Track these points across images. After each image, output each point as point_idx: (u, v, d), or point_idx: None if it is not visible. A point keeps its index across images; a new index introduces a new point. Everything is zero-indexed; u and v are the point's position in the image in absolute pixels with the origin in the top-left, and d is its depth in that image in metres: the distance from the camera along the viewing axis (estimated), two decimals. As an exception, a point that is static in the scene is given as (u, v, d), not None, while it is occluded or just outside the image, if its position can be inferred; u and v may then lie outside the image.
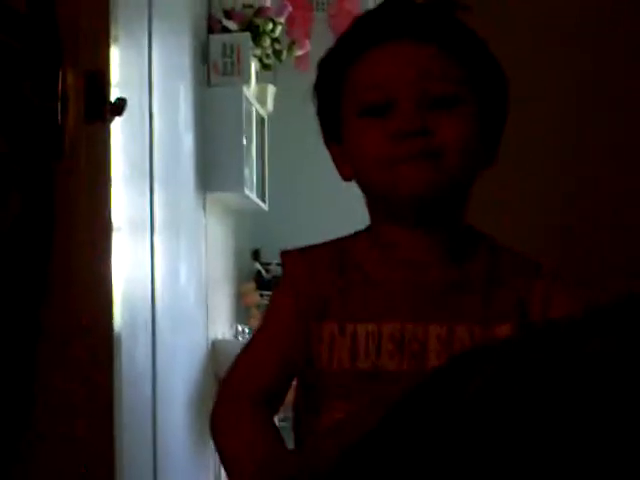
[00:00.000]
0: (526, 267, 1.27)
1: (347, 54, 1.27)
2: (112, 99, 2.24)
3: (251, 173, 4.70)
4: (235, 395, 1.28)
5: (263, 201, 5.02)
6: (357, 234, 1.34)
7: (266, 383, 1.27)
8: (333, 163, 1.33)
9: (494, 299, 1.24)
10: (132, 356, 3.13)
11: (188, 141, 4.18)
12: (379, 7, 1.30)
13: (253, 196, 4.74)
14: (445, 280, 1.25)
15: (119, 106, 2.20)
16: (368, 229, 1.33)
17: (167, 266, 3.70)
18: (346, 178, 1.31)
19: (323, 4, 5.66)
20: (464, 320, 1.22)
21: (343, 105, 1.28)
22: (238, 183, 4.50)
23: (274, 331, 1.30)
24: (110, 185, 2.22)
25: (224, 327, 4.82)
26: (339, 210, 5.17)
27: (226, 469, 1.23)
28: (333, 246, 1.33)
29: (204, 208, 4.42)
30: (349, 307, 1.25)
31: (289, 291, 1.30)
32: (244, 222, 5.26)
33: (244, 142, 4.53)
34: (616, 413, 0.63)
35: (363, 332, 1.23)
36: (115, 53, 2.30)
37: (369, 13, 1.31)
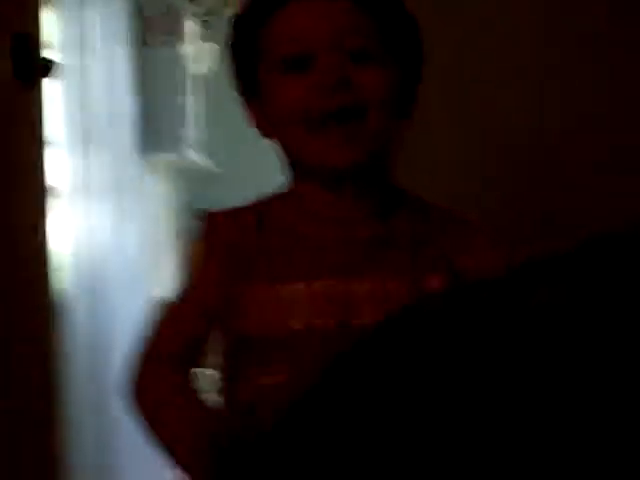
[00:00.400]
0: (453, 223, 1.27)
1: (264, 8, 1.26)
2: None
3: (192, 133, 4.66)
4: (159, 356, 1.27)
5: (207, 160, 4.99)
6: (279, 194, 1.33)
7: (186, 340, 1.26)
8: (251, 120, 1.32)
9: (421, 254, 1.23)
10: (77, 322, 3.11)
11: (125, 102, 4.13)
12: None
13: (196, 157, 4.70)
14: (372, 236, 1.25)
15: (47, 67, 2.17)
16: (288, 187, 1.32)
17: (110, 229, 3.67)
18: (266, 135, 1.30)
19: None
20: (394, 275, 1.21)
21: (261, 61, 1.26)
22: (177, 143, 4.46)
23: (198, 292, 1.29)
24: (43, 147, 2.19)
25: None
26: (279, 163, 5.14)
27: (164, 447, 1.22)
28: (257, 207, 1.32)
29: (145, 170, 4.38)
30: (278, 268, 1.24)
31: (213, 251, 1.29)
32: (190, 184, 5.22)
33: (182, 101, 4.49)
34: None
35: (293, 291, 1.21)
36: (48, 15, 2.27)
37: None
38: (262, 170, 5.50)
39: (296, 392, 1.12)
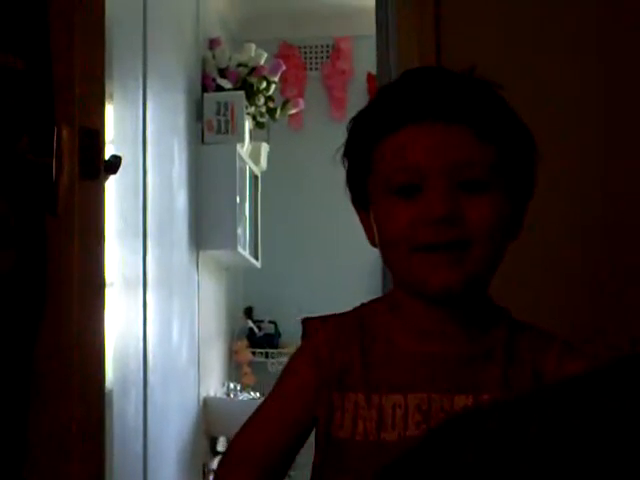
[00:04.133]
0: (541, 340, 1.27)
1: (376, 132, 1.24)
2: (107, 157, 2.25)
3: (244, 231, 4.71)
4: (239, 460, 1.27)
5: (256, 259, 5.03)
6: (376, 302, 1.32)
7: (273, 448, 1.25)
8: (362, 225, 1.32)
9: (513, 371, 1.23)
10: (124, 414, 3.11)
11: (182, 198, 4.19)
12: (408, 80, 1.28)
13: (246, 254, 4.75)
14: (468, 352, 1.24)
15: (114, 164, 2.21)
16: (389, 295, 1.32)
17: (159, 323, 3.69)
18: (374, 245, 1.30)
19: (316, 63, 5.71)
20: (488, 391, 1.22)
21: (370, 180, 1.25)
22: (231, 241, 4.51)
23: (288, 396, 1.28)
24: (103, 242, 2.23)
25: (216, 385, 4.80)
26: (331, 267, 5.18)
27: None
28: (354, 314, 1.30)
29: (197, 265, 4.42)
30: (374, 378, 1.23)
31: (309, 359, 1.28)
32: (237, 280, 5.26)
33: (237, 200, 4.55)
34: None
35: (390, 403, 1.22)
36: (110, 111, 2.32)
37: (398, 86, 1.28)
38: (309, 269, 5.57)
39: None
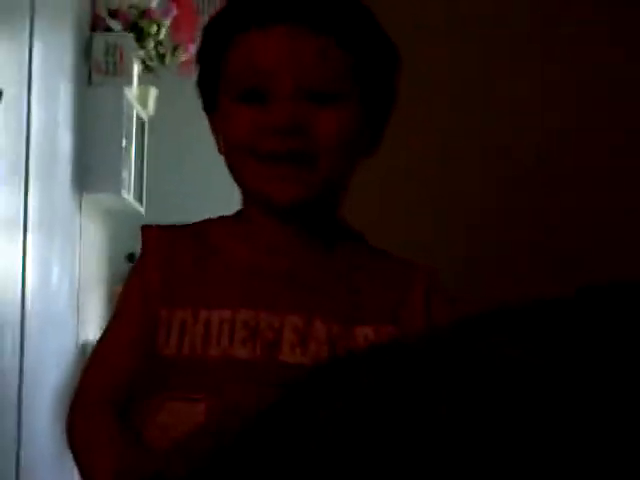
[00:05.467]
0: (401, 271, 1.24)
1: (231, 28, 1.19)
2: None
3: (129, 175, 4.64)
4: (88, 400, 1.24)
5: (140, 204, 4.96)
6: (224, 217, 1.28)
7: (119, 381, 1.22)
8: (211, 132, 1.28)
9: (360, 299, 1.20)
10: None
11: (66, 140, 4.10)
12: None
13: (130, 198, 4.68)
14: (309, 272, 1.21)
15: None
16: (238, 213, 1.29)
17: (39, 266, 3.63)
18: (221, 153, 1.26)
19: (209, 8, 5.63)
20: (324, 314, 1.18)
21: (220, 81, 1.21)
22: (115, 184, 4.43)
23: (122, 317, 1.25)
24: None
25: (95, 330, 4.75)
26: (218, 209, 5.14)
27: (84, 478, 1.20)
28: (195, 228, 1.27)
29: (80, 209, 4.35)
30: (205, 293, 1.20)
31: (140, 273, 1.25)
32: (120, 224, 5.19)
33: (123, 144, 4.48)
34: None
35: (217, 319, 1.18)
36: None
37: None
38: (196, 216, 5.50)
39: (217, 423, 1.12)
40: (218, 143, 1.26)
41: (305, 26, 1.15)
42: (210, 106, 1.25)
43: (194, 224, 1.28)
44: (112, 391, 1.22)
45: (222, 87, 1.22)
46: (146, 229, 1.27)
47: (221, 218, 1.28)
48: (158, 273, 1.23)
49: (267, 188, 1.18)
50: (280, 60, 1.16)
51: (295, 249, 1.22)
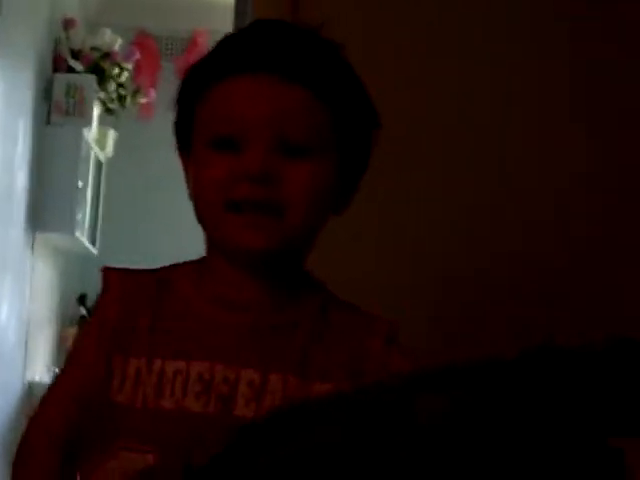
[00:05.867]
0: (362, 324, 1.21)
1: (208, 75, 1.18)
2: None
3: (84, 216, 4.64)
4: (37, 442, 1.22)
5: (93, 245, 4.95)
6: (185, 264, 1.25)
7: (68, 427, 1.21)
8: (184, 176, 1.26)
9: (319, 353, 1.19)
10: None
11: (22, 178, 4.10)
12: (250, 30, 1.23)
13: (84, 239, 4.67)
14: (267, 325, 1.18)
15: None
16: (199, 260, 1.27)
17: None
18: (191, 198, 1.24)
19: (172, 54, 5.66)
20: (280, 369, 1.16)
21: (196, 126, 1.19)
22: (69, 225, 4.43)
23: (76, 362, 1.24)
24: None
25: (42, 369, 4.71)
26: (172, 255, 5.13)
27: None
28: (156, 274, 1.24)
29: (32, 247, 4.33)
30: (160, 342, 1.17)
31: (97, 317, 1.24)
32: (73, 265, 5.17)
33: (79, 185, 4.47)
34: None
35: (172, 369, 1.16)
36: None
37: (238, 35, 1.23)
38: (149, 259, 5.50)
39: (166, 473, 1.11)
40: (189, 186, 1.24)
41: (284, 77, 1.14)
42: (184, 150, 1.24)
43: (155, 270, 1.26)
44: (60, 436, 1.21)
45: (196, 133, 1.20)
46: (106, 271, 1.25)
47: (183, 265, 1.25)
48: (115, 318, 1.20)
49: (236, 236, 1.15)
50: (256, 110, 1.14)
51: (256, 302, 1.20)
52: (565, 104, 1.81)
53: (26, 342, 4.30)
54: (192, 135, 1.21)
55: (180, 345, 1.18)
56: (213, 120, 1.17)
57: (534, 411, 0.76)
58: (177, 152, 1.25)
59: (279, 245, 1.16)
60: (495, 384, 0.78)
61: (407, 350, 1.22)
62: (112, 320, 1.20)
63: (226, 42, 1.22)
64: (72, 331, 5.07)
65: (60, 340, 5.04)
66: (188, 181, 1.23)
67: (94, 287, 4.78)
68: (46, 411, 1.24)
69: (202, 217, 1.20)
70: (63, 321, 5.09)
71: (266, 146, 1.13)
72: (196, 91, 1.19)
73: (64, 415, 1.20)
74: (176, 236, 5.37)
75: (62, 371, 1.27)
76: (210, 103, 1.17)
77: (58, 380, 1.26)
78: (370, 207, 1.61)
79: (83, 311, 5.21)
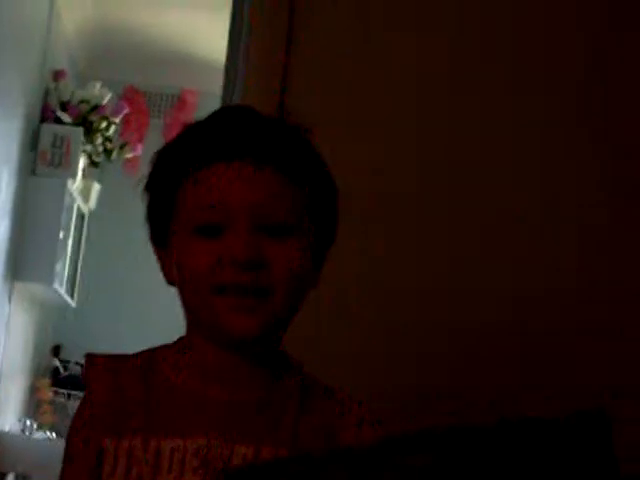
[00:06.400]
0: (335, 403, 1.26)
1: (182, 166, 1.22)
2: None
3: (63, 268, 4.63)
4: None
5: (71, 297, 4.94)
6: (167, 347, 1.28)
7: None
8: (158, 264, 1.28)
9: (302, 427, 1.22)
10: None
11: (3, 227, 4.10)
12: (219, 118, 1.26)
13: (62, 291, 4.67)
14: (255, 400, 1.22)
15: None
16: (180, 339, 1.29)
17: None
18: (169, 282, 1.26)
19: (160, 111, 5.70)
20: (272, 443, 1.20)
21: (174, 217, 1.22)
22: (48, 275, 4.43)
23: (75, 459, 1.24)
24: None
25: (12, 420, 4.67)
26: (149, 315, 5.12)
27: None
28: (140, 358, 1.26)
29: (10, 297, 4.32)
30: (155, 422, 1.20)
31: (85, 407, 1.24)
32: (49, 316, 5.15)
33: (61, 236, 4.48)
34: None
35: (168, 447, 1.18)
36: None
37: (208, 123, 1.25)
38: (126, 315, 5.50)
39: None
40: (165, 273, 1.26)
41: (257, 162, 1.19)
42: (159, 239, 1.26)
43: (138, 354, 1.28)
44: None
45: (175, 221, 1.23)
46: (91, 358, 1.26)
47: (164, 347, 1.28)
48: (104, 403, 1.22)
49: (226, 320, 1.18)
50: (236, 195, 1.18)
51: (241, 378, 1.23)
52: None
53: (-3, 391, 4.27)
54: (169, 222, 1.23)
55: (175, 423, 1.20)
56: (195, 210, 1.20)
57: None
58: (150, 240, 1.27)
59: (266, 327, 1.19)
60: (474, 447, 0.85)
61: (379, 429, 1.25)
62: (100, 405, 1.22)
63: (197, 130, 1.25)
64: (44, 382, 5.04)
65: (32, 391, 5.01)
66: (164, 267, 1.27)
67: (69, 338, 4.77)
68: None
69: (188, 301, 1.23)
70: (36, 372, 5.06)
71: (248, 229, 1.17)
72: (172, 182, 1.21)
73: None
74: (155, 291, 5.37)
75: (64, 466, 1.26)
76: (190, 191, 1.20)
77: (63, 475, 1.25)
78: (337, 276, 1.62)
79: (56, 362, 5.18)
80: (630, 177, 1.84)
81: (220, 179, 1.19)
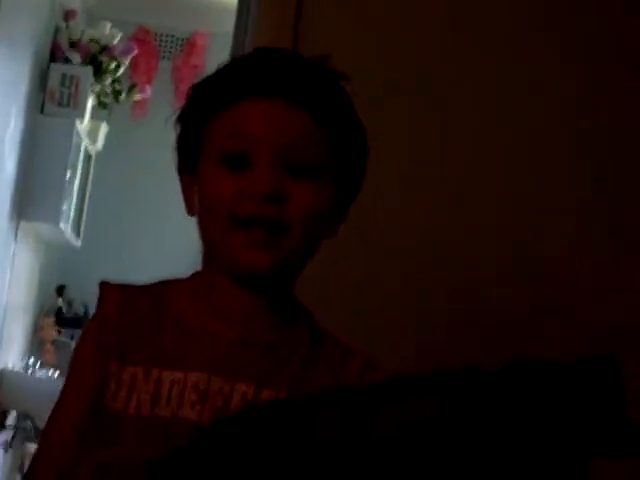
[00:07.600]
0: (342, 351, 1.27)
1: (216, 98, 1.24)
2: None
3: (69, 208, 4.63)
4: (43, 469, 1.24)
5: (77, 237, 4.95)
6: (181, 280, 1.29)
7: (69, 462, 1.23)
8: (182, 193, 1.30)
9: (308, 375, 1.23)
10: None
11: (10, 165, 4.10)
12: (253, 57, 1.29)
13: (68, 231, 4.67)
14: (262, 341, 1.23)
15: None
16: (195, 274, 1.31)
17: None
18: (190, 213, 1.28)
19: (170, 53, 5.67)
20: (273, 385, 1.21)
21: (204, 144, 1.24)
22: (54, 215, 4.43)
23: (75, 392, 1.25)
24: None
25: (15, 358, 4.70)
26: (155, 255, 5.13)
27: None
28: (153, 290, 1.28)
29: (16, 236, 4.33)
30: (158, 353, 1.21)
31: (95, 327, 1.26)
32: (54, 255, 5.16)
33: (67, 176, 4.47)
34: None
35: (168, 379, 1.20)
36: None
37: (242, 62, 1.29)
38: (132, 255, 5.51)
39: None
40: (188, 204, 1.28)
41: (288, 101, 1.20)
42: (188, 168, 1.28)
43: (151, 285, 1.29)
44: (63, 468, 1.22)
45: (205, 151, 1.24)
46: (104, 286, 1.28)
47: (178, 280, 1.29)
48: (113, 330, 1.23)
49: (242, 254, 1.20)
50: (264, 130, 1.20)
51: (251, 317, 1.24)
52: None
53: (1, 329, 4.29)
54: (198, 154, 1.25)
55: (177, 356, 1.21)
56: (223, 138, 1.22)
57: (512, 418, 0.87)
58: (178, 172, 1.29)
59: (282, 264, 1.21)
60: (480, 391, 0.87)
61: (383, 372, 1.26)
62: (110, 329, 1.23)
63: (231, 68, 1.27)
64: (48, 321, 5.07)
65: (35, 330, 5.04)
66: (187, 198, 1.28)
67: (74, 279, 4.79)
68: (48, 448, 1.25)
69: (207, 233, 1.25)
70: (40, 311, 5.08)
71: (272, 163, 1.19)
72: (204, 113, 1.23)
73: (70, 454, 1.22)
74: (160, 234, 5.38)
75: (62, 396, 1.27)
76: (220, 123, 1.22)
77: (63, 396, 1.27)
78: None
79: (60, 302, 5.20)
80: None
81: (250, 111, 1.21)
